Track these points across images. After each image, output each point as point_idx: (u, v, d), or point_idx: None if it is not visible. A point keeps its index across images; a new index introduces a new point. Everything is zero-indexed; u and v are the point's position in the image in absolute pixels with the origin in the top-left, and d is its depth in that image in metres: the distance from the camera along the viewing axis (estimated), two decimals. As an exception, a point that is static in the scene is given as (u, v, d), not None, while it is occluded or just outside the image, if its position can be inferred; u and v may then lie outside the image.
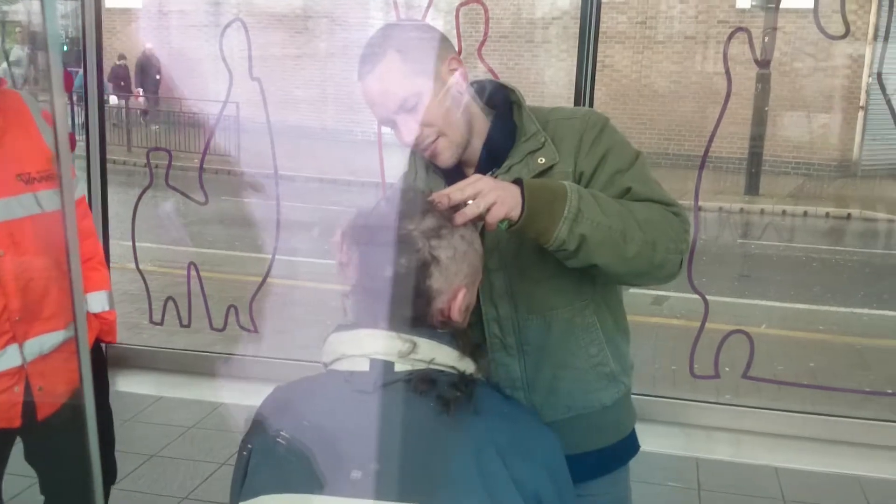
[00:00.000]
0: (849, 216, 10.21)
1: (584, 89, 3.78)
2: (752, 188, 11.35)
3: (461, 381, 1.26)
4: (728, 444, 3.79)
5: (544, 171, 1.60)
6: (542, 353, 1.68)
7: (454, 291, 1.31)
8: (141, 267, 4.67)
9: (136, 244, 4.52)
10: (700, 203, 9.82)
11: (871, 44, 11.65)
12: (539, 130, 1.63)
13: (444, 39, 1.62)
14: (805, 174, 12.08)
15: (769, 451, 3.72)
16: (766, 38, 10.32)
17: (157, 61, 16.20)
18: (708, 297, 4.41)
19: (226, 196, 10.07)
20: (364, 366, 1.26)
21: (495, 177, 1.60)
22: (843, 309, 6.22)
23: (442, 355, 1.26)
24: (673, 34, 13.44)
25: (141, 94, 15.95)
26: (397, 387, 1.24)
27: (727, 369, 4.08)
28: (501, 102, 1.68)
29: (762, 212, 10.58)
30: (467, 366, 1.29)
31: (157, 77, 16.12)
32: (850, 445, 3.75)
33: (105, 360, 2.44)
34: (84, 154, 4.30)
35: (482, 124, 1.66)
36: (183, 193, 4.42)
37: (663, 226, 1.54)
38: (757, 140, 11.66)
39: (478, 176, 1.43)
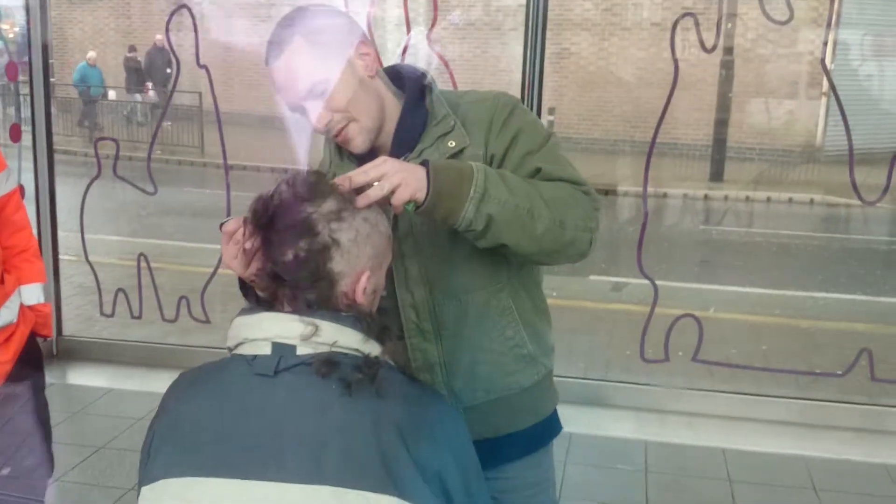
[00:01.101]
0: (811, 201, 10.31)
1: (532, 76, 3.80)
2: (717, 175, 11.41)
3: (365, 364, 1.26)
4: (678, 427, 3.84)
5: (455, 154, 1.60)
6: (459, 337, 1.68)
7: (357, 274, 1.31)
8: (101, 259, 4.65)
9: (88, 236, 4.50)
10: (665, 190, 9.96)
11: (834, 29, 11.76)
12: (449, 114, 1.64)
13: (352, 24, 1.62)
14: (769, 160, 12.18)
15: (718, 434, 3.78)
16: (729, 25, 10.37)
17: (167, 54, 15.07)
18: (666, 283, 4.45)
19: (188, 187, 10.01)
20: (266, 349, 1.26)
21: (407, 160, 1.58)
22: (800, 293, 6.29)
23: (345, 338, 1.26)
24: (640, 21, 13.49)
25: (150, 87, 15.13)
26: (300, 370, 1.24)
27: (680, 354, 4.14)
28: (413, 87, 1.68)
29: (726, 198, 10.64)
30: (372, 348, 1.28)
31: (168, 71, 14.85)
32: (797, 426, 3.82)
33: (40, 353, 2.41)
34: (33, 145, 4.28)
35: (394, 109, 1.66)
36: (131, 184, 4.39)
37: (571, 204, 1.54)
38: (721, 127, 11.74)
39: (383, 158, 1.43)
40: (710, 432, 3.78)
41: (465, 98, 1.68)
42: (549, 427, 1.84)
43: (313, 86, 1.54)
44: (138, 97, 15.07)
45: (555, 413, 1.85)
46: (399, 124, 1.65)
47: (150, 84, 15.00)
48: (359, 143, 1.61)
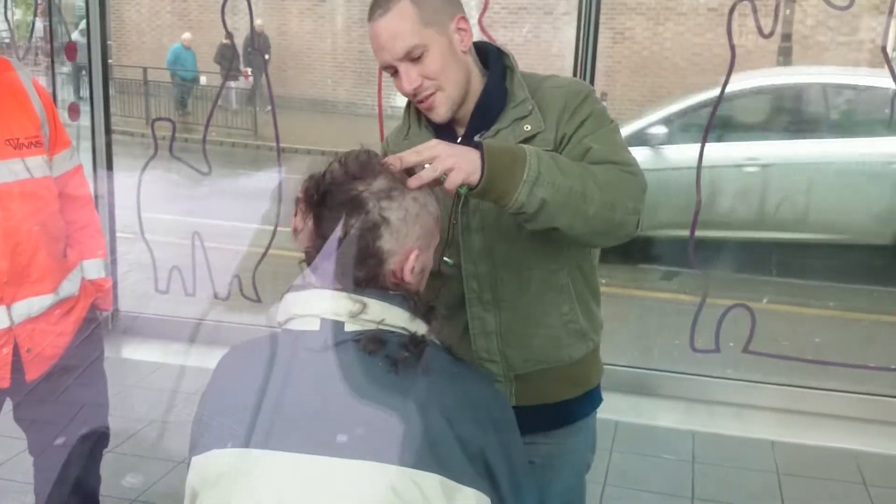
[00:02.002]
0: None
1: (585, 61, 3.77)
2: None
3: (411, 342, 1.27)
4: (726, 418, 3.80)
5: (529, 139, 1.65)
6: (517, 309, 1.75)
7: (406, 253, 1.32)
8: (156, 237, 4.74)
9: (144, 215, 4.59)
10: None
11: (897, 17, 11.44)
12: (528, 98, 1.69)
13: None
14: (826, 149, 11.92)
15: (767, 425, 3.73)
16: (788, 11, 10.16)
17: (266, 39, 14.48)
18: (718, 272, 4.40)
19: (242, 169, 10.12)
20: (315, 325, 1.28)
21: (482, 139, 1.64)
22: (855, 286, 6.15)
23: (392, 316, 1.28)
24: (696, 5, 13.27)
25: (249, 73, 14.34)
26: (347, 346, 1.26)
27: (731, 344, 4.09)
28: (496, 66, 1.74)
29: (782, 187, 10.45)
30: (418, 327, 1.30)
31: (266, 57, 14.26)
32: (848, 420, 3.75)
33: (100, 326, 2.47)
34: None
35: (477, 85, 1.72)
36: (186, 164, 4.46)
37: (621, 186, 1.57)
38: (778, 114, 11.51)
39: (436, 141, 1.45)
40: (760, 424, 3.73)
41: (544, 83, 1.73)
42: (594, 398, 1.92)
43: (411, 49, 1.60)
44: (232, 84, 14.29)
45: (598, 386, 1.93)
46: (479, 102, 1.71)
47: (248, 70, 14.29)
48: (441, 112, 1.68)
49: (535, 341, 1.77)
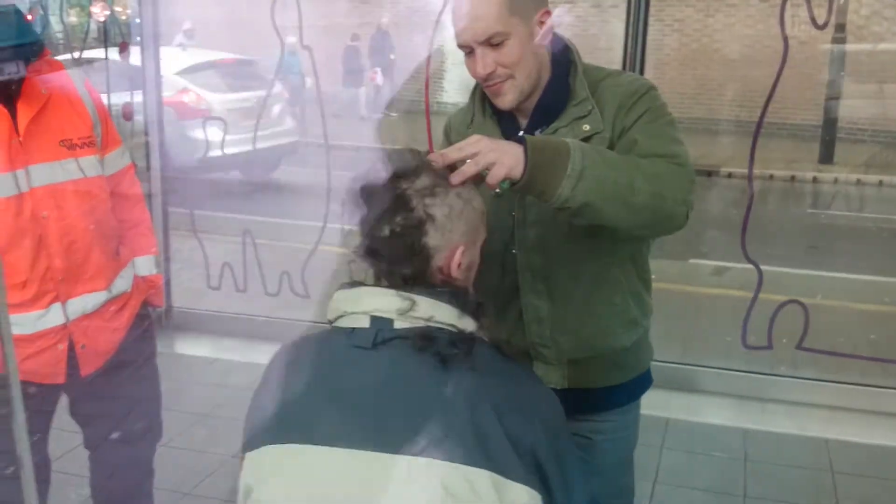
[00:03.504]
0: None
1: (634, 53, 3.73)
2: (827, 157, 10.97)
3: (460, 339, 1.27)
4: (779, 416, 3.74)
5: (587, 138, 1.65)
6: (570, 299, 1.77)
7: (452, 249, 1.33)
8: (208, 235, 4.81)
9: (196, 212, 4.66)
10: (771, 171, 9.59)
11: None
12: (588, 97, 1.69)
13: None
14: (882, 142, 11.64)
15: (820, 423, 3.66)
16: (842, 1, 9.95)
17: (391, 38, 13.86)
18: (770, 268, 4.32)
19: (291, 166, 10.20)
20: (365, 322, 1.29)
21: (542, 134, 1.67)
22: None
23: (441, 313, 1.28)
24: (747, -3, 13.06)
25: (378, 75, 13.76)
26: (396, 343, 1.27)
27: (784, 341, 4.02)
28: (562, 62, 1.74)
29: (836, 181, 10.23)
30: (467, 324, 1.30)
31: (392, 57, 13.88)
32: (906, 418, 3.67)
33: (152, 322, 2.51)
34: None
35: (545, 78, 1.72)
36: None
37: (668, 177, 1.55)
38: (831, 107, 11.28)
39: (477, 137, 1.44)
40: (814, 422, 3.67)
41: (605, 80, 1.73)
42: (643, 382, 1.95)
43: (494, 35, 1.61)
44: (361, 89, 13.67)
45: (648, 370, 1.95)
46: (542, 97, 1.72)
47: (377, 70, 13.74)
48: (509, 100, 1.68)
49: (587, 330, 1.79)
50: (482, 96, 1.79)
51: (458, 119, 1.87)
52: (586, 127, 1.67)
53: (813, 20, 3.52)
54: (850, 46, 10.80)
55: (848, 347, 4.43)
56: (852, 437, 3.54)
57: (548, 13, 1.68)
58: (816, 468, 3.32)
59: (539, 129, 1.71)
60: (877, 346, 4.76)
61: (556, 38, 1.74)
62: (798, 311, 3.86)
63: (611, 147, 1.65)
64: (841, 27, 10.46)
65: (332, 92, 13.86)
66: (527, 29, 1.64)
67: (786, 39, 3.63)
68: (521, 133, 1.71)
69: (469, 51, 1.65)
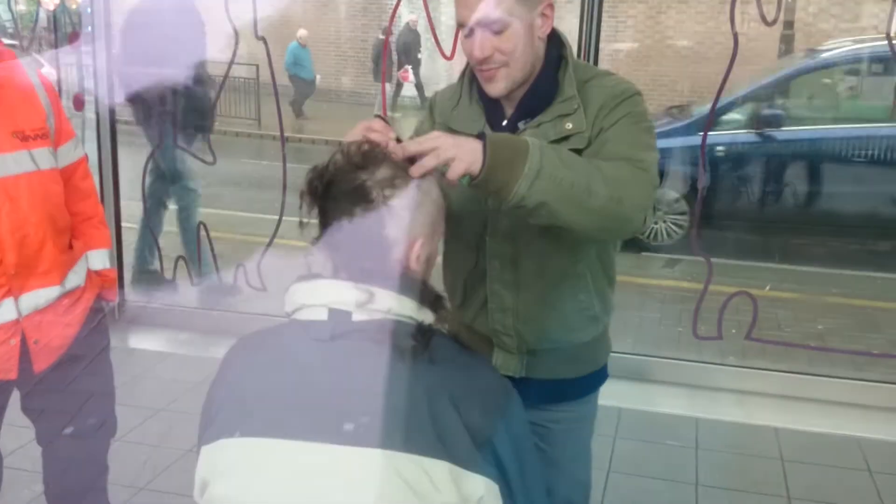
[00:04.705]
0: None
1: (588, 50, 3.77)
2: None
3: (419, 331, 1.28)
4: (730, 405, 3.81)
5: (569, 136, 1.68)
6: (535, 291, 1.80)
7: (411, 241, 1.33)
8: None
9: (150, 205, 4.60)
10: (721, 165, 9.42)
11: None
12: (574, 96, 1.70)
13: None
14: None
15: (770, 412, 3.74)
16: (790, -2, 10.12)
17: (419, 36, 13.46)
18: (720, 260, 4.40)
19: (245, 158, 10.12)
20: (322, 315, 1.29)
21: (524, 130, 1.70)
22: (857, 272, 6.16)
23: (399, 305, 1.29)
24: (698, -6, 13.20)
25: (410, 74, 13.32)
26: (355, 336, 1.27)
27: (734, 331, 4.10)
28: (553, 57, 1.74)
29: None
30: (426, 316, 1.31)
31: (419, 56, 13.63)
32: (852, 407, 3.76)
33: (105, 316, 2.48)
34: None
35: (537, 71, 1.73)
36: (192, 154, 4.47)
37: (631, 183, 1.56)
38: (781, 102, 11.45)
39: (437, 133, 1.46)
40: (763, 411, 3.74)
41: (592, 80, 1.74)
42: (600, 377, 1.99)
43: (496, 20, 1.61)
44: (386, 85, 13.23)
45: (606, 364, 2.00)
46: (530, 89, 1.73)
47: (408, 69, 13.32)
48: (499, 87, 1.69)
49: (549, 323, 1.82)
50: (471, 80, 1.79)
51: (445, 97, 1.88)
52: (569, 125, 1.68)
53: (762, 17, 3.58)
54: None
55: (795, 337, 4.54)
56: (801, 425, 3.62)
57: (551, 6, 1.69)
58: (766, 456, 3.39)
59: (523, 121, 1.72)
60: (824, 336, 4.87)
61: (553, 33, 1.75)
62: (747, 302, 3.94)
63: (588, 145, 1.67)
64: (789, 24, 10.64)
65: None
66: (529, 19, 1.65)
67: (735, 36, 3.69)
68: (504, 123, 1.74)
69: (468, 32, 1.65)
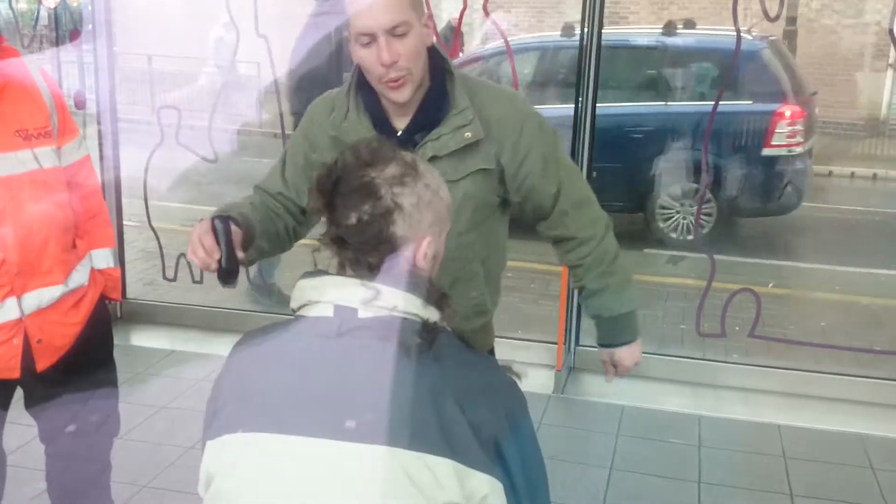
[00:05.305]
0: (874, 176, 10.03)
1: (591, 44, 3.77)
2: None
3: (424, 329, 1.28)
4: (733, 402, 3.81)
5: (470, 145, 1.75)
6: None
7: (419, 239, 1.33)
8: (163, 225, 4.75)
9: (151, 203, 4.60)
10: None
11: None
12: (468, 107, 1.76)
13: None
14: (831, 133, 11.86)
15: (773, 410, 3.74)
16: (793, -6, 10.12)
17: (461, 37, 13.80)
18: (723, 258, 4.39)
19: (246, 156, 10.10)
20: (329, 312, 1.29)
21: (425, 143, 1.75)
22: (860, 269, 6.15)
23: (405, 303, 1.29)
24: (700, -10, 13.19)
25: None
26: (361, 333, 1.27)
27: (737, 329, 4.10)
28: (439, 69, 1.80)
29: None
30: (431, 314, 1.31)
31: (461, 53, 13.86)
32: (855, 404, 3.76)
33: (109, 315, 2.48)
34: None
35: (427, 83, 1.78)
36: (193, 151, 4.46)
37: (609, 232, 1.94)
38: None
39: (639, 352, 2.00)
40: (766, 408, 3.75)
41: (484, 93, 1.81)
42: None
43: (400, 23, 1.64)
44: None
45: (492, 350, 2.08)
46: (423, 104, 1.78)
47: None
48: (405, 95, 1.73)
49: None
50: (357, 91, 1.81)
51: (325, 110, 1.87)
52: (468, 134, 1.75)
53: (765, 13, 3.58)
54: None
55: (799, 335, 4.54)
56: (804, 422, 3.62)
57: (431, 17, 1.75)
58: (769, 454, 3.39)
59: (420, 134, 1.76)
60: (827, 333, 4.87)
61: (432, 47, 1.80)
62: (750, 300, 3.94)
63: (497, 163, 1.78)
64: (792, 20, 10.64)
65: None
66: (420, 26, 1.70)
67: (738, 31, 3.69)
68: (398, 135, 1.77)
69: (368, 41, 1.66)
